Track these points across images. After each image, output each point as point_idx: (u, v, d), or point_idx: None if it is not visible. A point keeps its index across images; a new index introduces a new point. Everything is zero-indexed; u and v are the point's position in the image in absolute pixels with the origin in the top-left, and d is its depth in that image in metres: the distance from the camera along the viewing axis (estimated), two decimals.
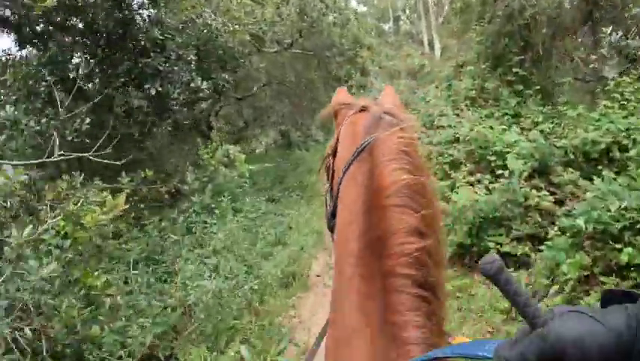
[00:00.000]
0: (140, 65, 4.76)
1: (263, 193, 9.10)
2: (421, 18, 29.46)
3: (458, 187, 4.92)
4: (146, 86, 4.70)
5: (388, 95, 1.15)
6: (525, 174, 4.75)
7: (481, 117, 6.77)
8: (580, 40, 9.24)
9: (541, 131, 5.61)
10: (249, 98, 15.59)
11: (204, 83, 5.58)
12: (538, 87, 7.39)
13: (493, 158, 5.28)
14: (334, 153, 1.05)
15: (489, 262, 0.53)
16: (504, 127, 5.71)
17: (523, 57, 7.61)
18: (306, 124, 15.72)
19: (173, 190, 5.53)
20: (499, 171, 5.04)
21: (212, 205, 5.94)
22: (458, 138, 5.97)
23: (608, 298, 0.55)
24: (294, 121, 15.29)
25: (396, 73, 22.64)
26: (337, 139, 1.03)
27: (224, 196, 6.24)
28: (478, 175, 5.05)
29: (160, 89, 4.72)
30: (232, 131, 16.73)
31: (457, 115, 7.20)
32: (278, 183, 9.96)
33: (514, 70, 7.53)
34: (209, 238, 5.17)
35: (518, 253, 4.35)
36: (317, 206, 8.95)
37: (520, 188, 4.51)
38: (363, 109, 0.97)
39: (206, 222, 5.57)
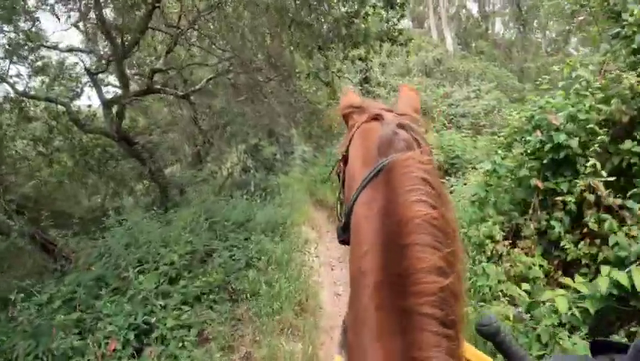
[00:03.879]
0: None
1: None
2: (429, 12, 24.01)
3: None
4: None
5: (405, 98, 0.96)
6: None
7: None
8: None
9: None
10: (197, 94, 9.75)
11: None
12: None
13: None
14: (345, 160, 0.93)
15: (486, 324, 0.61)
16: None
17: None
18: (285, 132, 9.87)
19: None
20: None
21: None
22: None
23: (597, 348, 0.60)
24: (265, 129, 9.42)
25: (406, 70, 16.93)
26: (349, 145, 0.90)
27: None
28: None
29: None
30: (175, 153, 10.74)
31: None
32: (193, 280, 4.00)
33: None
34: None
35: None
36: None
37: None
38: (376, 118, 0.85)
39: None
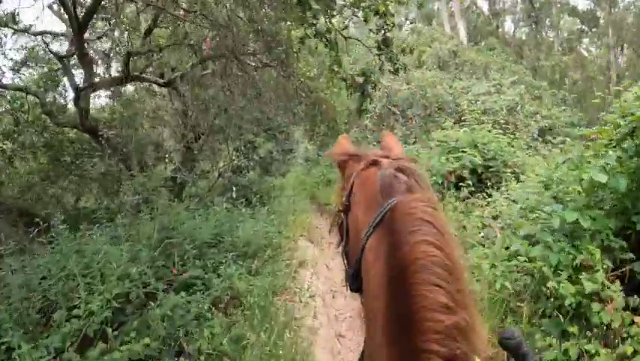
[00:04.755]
0: None
1: None
2: (442, 3, 22.52)
3: None
4: None
5: (391, 143, 1.01)
6: None
7: None
8: None
9: None
10: (184, 84, 8.39)
11: None
12: None
13: None
14: (346, 210, 0.93)
15: (509, 338, 0.61)
16: None
17: None
18: (282, 126, 8.44)
19: None
20: None
21: None
22: None
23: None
24: (260, 123, 8.01)
25: (418, 62, 15.47)
26: (349, 194, 0.91)
27: None
28: None
29: None
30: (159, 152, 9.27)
31: None
32: (120, 338, 2.64)
33: None
34: None
35: None
36: None
37: None
38: (373, 163, 0.87)
39: None
